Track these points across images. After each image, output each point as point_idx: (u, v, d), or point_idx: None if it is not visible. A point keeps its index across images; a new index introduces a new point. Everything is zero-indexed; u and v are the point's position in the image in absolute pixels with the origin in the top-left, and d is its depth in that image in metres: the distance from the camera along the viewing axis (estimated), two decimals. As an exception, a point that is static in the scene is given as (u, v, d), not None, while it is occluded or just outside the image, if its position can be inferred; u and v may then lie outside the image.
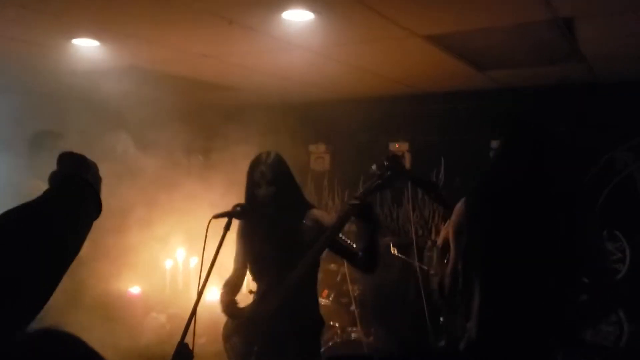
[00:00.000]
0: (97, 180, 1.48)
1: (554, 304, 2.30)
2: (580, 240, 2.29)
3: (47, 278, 1.21)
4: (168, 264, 4.68)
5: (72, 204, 1.35)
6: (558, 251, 2.29)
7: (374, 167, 2.84)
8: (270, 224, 3.03)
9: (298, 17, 3.16)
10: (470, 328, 2.46)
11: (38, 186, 3.86)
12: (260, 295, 3.06)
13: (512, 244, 2.36)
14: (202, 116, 4.97)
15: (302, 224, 3.00)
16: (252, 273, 3.16)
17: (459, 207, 2.60)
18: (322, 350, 4.45)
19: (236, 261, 3.17)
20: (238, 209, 2.77)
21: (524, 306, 2.32)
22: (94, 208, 1.40)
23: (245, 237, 3.12)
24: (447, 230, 2.73)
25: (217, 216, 2.71)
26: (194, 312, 2.45)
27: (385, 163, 2.79)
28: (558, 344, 2.28)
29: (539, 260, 2.30)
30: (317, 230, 2.91)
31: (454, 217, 2.61)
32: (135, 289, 4.40)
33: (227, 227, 2.68)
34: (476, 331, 2.43)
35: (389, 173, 2.75)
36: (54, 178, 1.43)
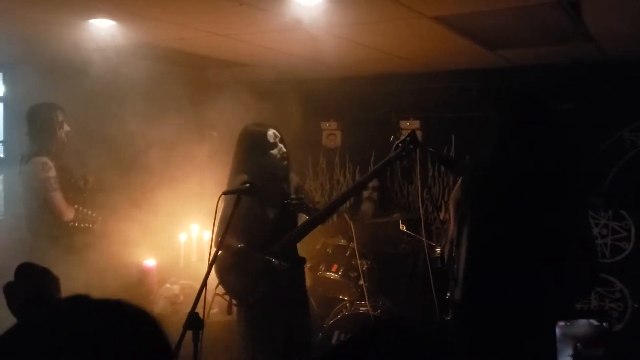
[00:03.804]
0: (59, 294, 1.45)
1: (536, 269, 2.41)
2: (565, 216, 2.39)
3: None
4: (182, 237, 4.82)
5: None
6: (543, 223, 2.39)
7: (392, 138, 3.26)
8: (281, 190, 3.46)
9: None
10: (456, 291, 2.61)
11: (45, 164, 3.89)
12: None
13: (498, 215, 2.48)
14: (214, 92, 5.05)
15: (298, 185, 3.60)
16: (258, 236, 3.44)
17: (458, 183, 2.73)
18: (331, 322, 4.61)
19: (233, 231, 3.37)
20: (247, 185, 2.89)
21: (506, 272, 2.44)
22: None
23: (255, 208, 3.35)
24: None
25: (226, 193, 2.83)
26: (204, 284, 2.58)
27: (407, 138, 3.24)
28: (544, 311, 2.39)
29: (522, 230, 2.41)
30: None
31: (453, 192, 2.76)
32: (150, 262, 4.55)
33: (237, 204, 2.80)
34: (460, 294, 2.57)
35: (408, 141, 3.19)
36: (11, 291, 1.39)
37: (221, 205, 2.99)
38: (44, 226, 4.05)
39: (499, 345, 2.46)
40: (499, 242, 2.49)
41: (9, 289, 1.40)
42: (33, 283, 1.41)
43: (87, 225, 4.09)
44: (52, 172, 4.06)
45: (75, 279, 3.41)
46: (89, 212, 4.12)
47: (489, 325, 2.49)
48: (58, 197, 4.01)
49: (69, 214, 4.04)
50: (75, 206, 4.08)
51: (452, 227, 2.78)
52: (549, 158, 2.53)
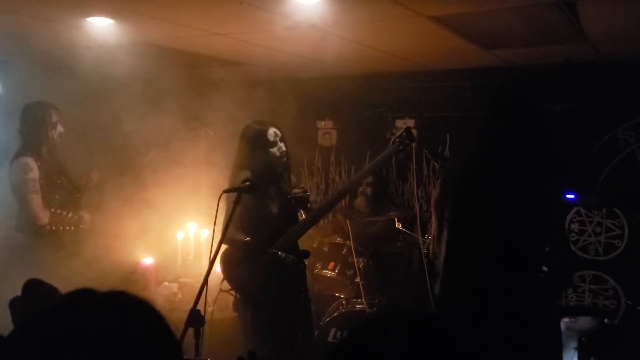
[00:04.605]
0: None
1: (513, 266, 2.46)
2: (543, 213, 2.44)
3: None
4: (180, 236, 4.83)
5: None
6: (521, 219, 2.43)
7: (389, 134, 3.36)
8: (279, 189, 3.49)
9: (307, -1, 3.25)
10: (436, 286, 2.67)
11: (27, 165, 3.83)
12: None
13: (475, 212, 2.53)
14: (211, 91, 5.05)
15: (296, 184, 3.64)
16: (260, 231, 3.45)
17: (439, 181, 2.79)
18: (327, 320, 4.63)
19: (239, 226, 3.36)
20: (247, 184, 2.91)
21: (484, 269, 2.49)
22: None
23: (259, 204, 3.37)
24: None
25: (227, 191, 2.85)
26: (205, 282, 2.60)
27: (403, 133, 3.36)
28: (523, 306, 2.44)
29: (500, 226, 2.46)
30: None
31: (434, 189, 2.83)
32: (148, 260, 4.56)
33: (237, 201, 2.82)
34: (439, 286, 2.62)
35: (405, 136, 3.28)
36: (18, 306, 1.37)
37: (223, 203, 3.00)
38: (27, 226, 3.99)
39: (484, 340, 2.50)
40: (476, 239, 2.54)
41: (15, 304, 1.40)
42: (40, 300, 1.40)
43: (66, 228, 3.98)
44: (33, 174, 3.94)
45: (72, 276, 3.43)
46: (69, 215, 4.00)
47: (469, 320, 2.52)
48: (34, 200, 3.91)
49: (43, 217, 3.92)
50: (52, 209, 3.95)
51: (434, 224, 2.84)
52: (527, 156, 2.57)
